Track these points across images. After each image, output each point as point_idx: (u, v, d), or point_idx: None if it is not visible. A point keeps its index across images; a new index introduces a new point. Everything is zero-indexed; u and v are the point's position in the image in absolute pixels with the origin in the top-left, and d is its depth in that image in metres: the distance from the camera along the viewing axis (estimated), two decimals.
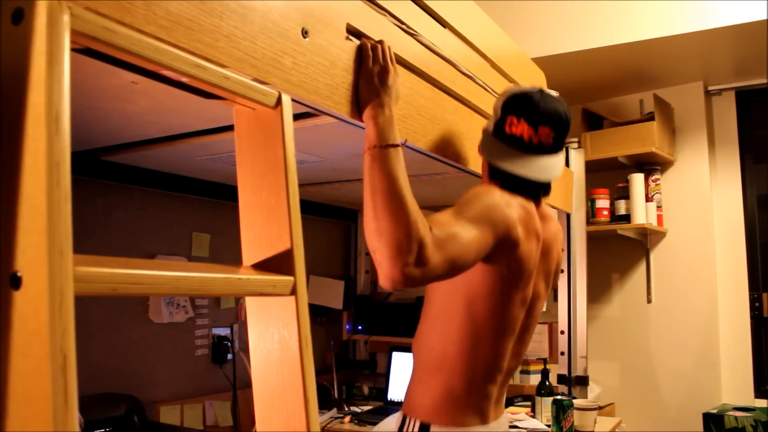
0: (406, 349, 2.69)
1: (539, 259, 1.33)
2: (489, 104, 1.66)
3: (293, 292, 0.89)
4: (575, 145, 2.69)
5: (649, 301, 3.00)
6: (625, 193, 2.86)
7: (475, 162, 1.58)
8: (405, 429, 1.31)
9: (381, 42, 1.17)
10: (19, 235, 0.59)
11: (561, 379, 2.45)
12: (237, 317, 2.35)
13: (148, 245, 2.02)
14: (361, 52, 1.15)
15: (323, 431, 2.33)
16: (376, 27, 1.21)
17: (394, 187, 1.05)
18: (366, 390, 2.82)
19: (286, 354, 0.88)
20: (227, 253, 2.27)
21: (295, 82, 0.99)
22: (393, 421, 2.27)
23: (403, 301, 2.83)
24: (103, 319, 1.86)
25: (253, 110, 0.95)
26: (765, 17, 2.22)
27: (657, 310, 2.97)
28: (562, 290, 2.48)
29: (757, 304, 2.85)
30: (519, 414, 2.32)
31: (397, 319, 2.76)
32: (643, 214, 2.79)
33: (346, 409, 2.56)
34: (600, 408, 2.37)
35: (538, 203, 1.37)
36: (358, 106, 1.13)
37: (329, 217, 2.83)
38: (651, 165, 2.93)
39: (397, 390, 2.66)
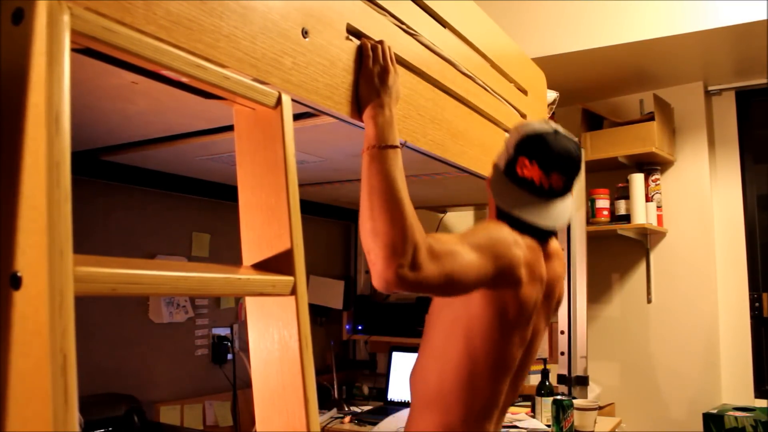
0: (406, 349, 2.69)
1: (541, 300, 1.32)
2: (489, 104, 1.67)
3: (293, 292, 0.89)
4: None
5: (649, 301, 3.00)
6: (625, 193, 2.86)
7: (475, 162, 1.58)
8: None
9: (381, 42, 1.17)
10: (19, 235, 0.59)
11: (561, 379, 2.45)
12: (237, 317, 2.35)
13: (148, 245, 2.02)
14: (361, 52, 1.15)
15: (323, 431, 2.33)
16: (376, 27, 1.21)
17: (391, 189, 1.05)
18: (366, 390, 2.82)
19: (286, 354, 0.88)
20: (227, 253, 2.27)
21: (295, 82, 0.99)
22: (393, 421, 2.27)
23: (403, 301, 2.83)
24: (103, 319, 1.86)
25: (253, 110, 0.95)
26: (765, 17, 2.22)
27: (657, 310, 2.97)
28: None
29: (757, 304, 2.85)
30: (519, 414, 2.32)
31: (397, 319, 2.76)
32: (643, 214, 2.79)
33: (346, 409, 2.56)
34: (600, 408, 2.37)
35: (546, 242, 1.36)
36: (358, 106, 1.13)
37: (329, 217, 2.83)
38: (651, 165, 2.93)
39: (397, 390, 2.66)
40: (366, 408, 2.57)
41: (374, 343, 2.93)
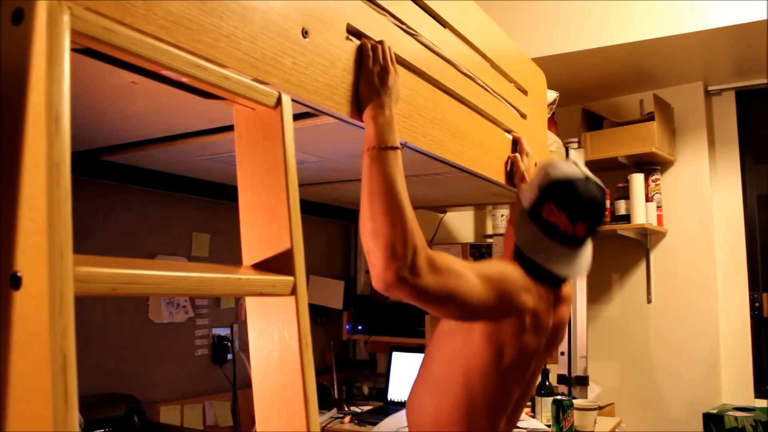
0: (406, 349, 2.70)
1: (543, 346, 1.32)
2: (489, 104, 1.66)
3: (293, 292, 0.89)
4: (575, 145, 2.69)
5: (649, 301, 3.00)
6: (625, 193, 2.86)
7: (475, 162, 1.58)
8: None
9: (381, 42, 1.17)
10: (19, 235, 0.59)
11: (561, 379, 2.45)
12: (237, 317, 2.35)
13: (148, 245, 2.02)
14: (361, 52, 1.15)
15: (323, 431, 2.33)
16: (376, 27, 1.21)
17: (392, 190, 1.05)
18: (366, 390, 2.82)
19: (286, 354, 0.88)
20: (227, 253, 2.27)
21: (295, 82, 0.99)
22: (393, 421, 2.27)
23: (403, 301, 2.82)
24: (103, 319, 1.86)
25: (253, 110, 0.95)
26: (765, 17, 2.22)
27: (657, 310, 2.97)
28: None
29: (757, 304, 2.85)
30: None
31: (397, 319, 2.76)
32: (643, 214, 2.79)
33: (346, 409, 2.56)
34: (600, 408, 2.37)
35: (558, 287, 1.35)
36: (358, 107, 1.13)
37: (329, 217, 2.83)
38: (651, 165, 2.93)
39: (397, 390, 2.65)
40: (366, 408, 2.57)
41: (374, 343, 2.93)
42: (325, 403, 2.57)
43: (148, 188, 1.98)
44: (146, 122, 1.29)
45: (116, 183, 1.88)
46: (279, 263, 0.90)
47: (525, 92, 1.94)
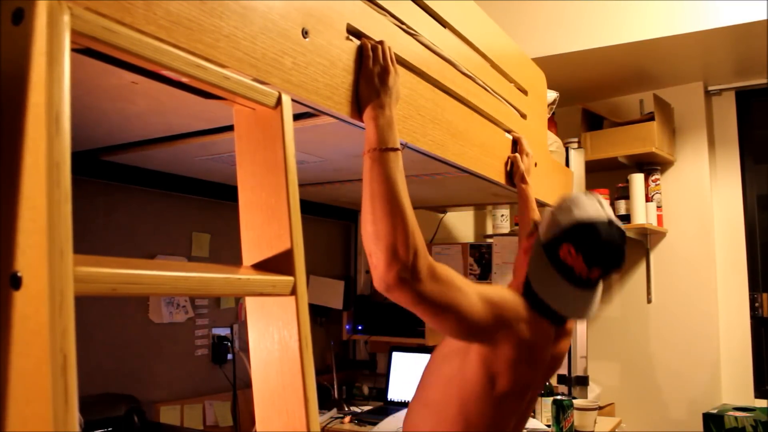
0: (406, 349, 2.69)
1: (539, 378, 1.31)
2: (489, 104, 1.67)
3: (293, 292, 0.89)
4: (575, 145, 2.69)
5: (649, 301, 3.00)
6: (625, 193, 2.86)
7: (475, 162, 1.58)
8: None
9: (381, 42, 1.17)
10: (19, 235, 0.59)
11: (561, 379, 2.45)
12: (237, 317, 2.35)
13: (148, 245, 2.02)
14: (361, 52, 1.15)
15: (323, 431, 2.33)
16: (376, 27, 1.21)
17: (393, 192, 1.06)
18: (366, 390, 2.82)
19: (286, 354, 0.88)
20: (227, 253, 2.27)
21: (295, 82, 0.99)
22: (393, 421, 2.27)
23: (402, 305, 2.82)
24: (103, 319, 1.86)
25: (253, 110, 0.95)
26: (765, 17, 2.22)
27: (657, 310, 2.97)
28: None
29: (757, 304, 2.85)
30: None
31: (397, 319, 2.76)
32: (643, 214, 2.79)
33: (346, 409, 2.56)
34: (600, 408, 2.37)
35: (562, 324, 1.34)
36: (358, 107, 1.13)
37: (329, 217, 2.83)
38: (651, 165, 2.93)
39: (397, 390, 2.65)
40: (366, 408, 2.57)
41: (374, 343, 2.93)
42: (325, 403, 2.57)
43: (148, 188, 1.98)
44: (146, 122, 1.29)
45: (116, 183, 1.88)
46: (279, 263, 0.90)
47: (525, 92, 1.94)
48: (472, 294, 1.13)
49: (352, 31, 1.14)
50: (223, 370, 2.25)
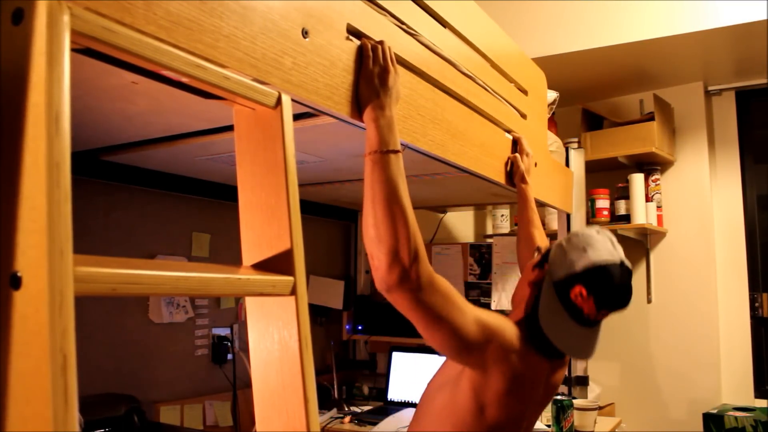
0: (406, 349, 2.69)
1: (532, 409, 1.31)
2: (489, 104, 1.66)
3: (293, 292, 0.89)
4: (575, 145, 2.69)
5: (649, 301, 3.00)
6: (625, 193, 2.86)
7: (475, 162, 1.58)
8: None
9: (381, 42, 1.17)
10: (19, 235, 0.59)
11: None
12: (237, 317, 2.35)
13: (148, 245, 2.02)
14: (361, 52, 1.15)
15: (323, 431, 2.33)
16: (376, 27, 1.21)
17: (395, 195, 1.06)
18: (366, 390, 2.82)
19: (286, 354, 0.88)
20: (227, 253, 2.27)
21: (295, 82, 0.99)
22: (393, 421, 2.27)
23: (399, 310, 2.82)
24: (103, 319, 1.86)
25: (253, 110, 0.95)
26: (765, 17, 2.22)
27: (657, 310, 2.97)
28: None
29: (757, 304, 2.85)
30: None
31: (397, 319, 2.74)
32: (643, 214, 2.79)
33: (346, 409, 2.56)
34: (600, 408, 2.37)
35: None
36: (358, 107, 1.13)
37: (329, 217, 2.83)
38: (651, 165, 2.93)
39: (397, 390, 2.65)
40: (366, 408, 2.57)
41: (374, 343, 2.93)
42: (325, 403, 2.57)
43: (148, 188, 1.98)
44: (146, 122, 1.29)
45: (116, 183, 1.88)
46: (279, 263, 0.90)
47: (525, 92, 1.94)
48: (469, 313, 1.14)
49: (352, 31, 1.14)
50: (223, 370, 2.25)
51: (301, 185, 1.06)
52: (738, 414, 2.42)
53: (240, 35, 0.89)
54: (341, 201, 2.61)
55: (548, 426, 2.16)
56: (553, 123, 2.46)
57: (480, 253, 2.81)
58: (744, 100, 2.95)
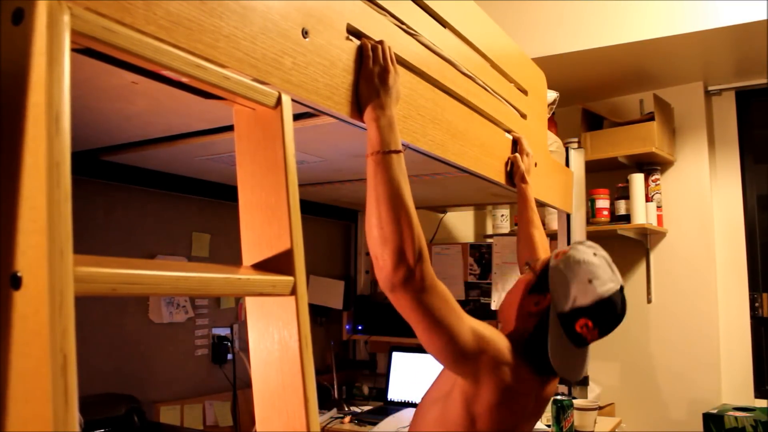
0: (406, 349, 2.69)
1: (526, 421, 1.32)
2: (489, 104, 1.66)
3: (293, 292, 0.89)
4: (575, 145, 2.69)
5: (649, 301, 3.00)
6: (625, 193, 2.86)
7: (475, 162, 1.58)
8: None
9: (381, 42, 1.17)
10: (19, 235, 0.59)
11: (561, 379, 2.45)
12: (237, 317, 2.35)
13: (148, 245, 2.02)
14: (361, 52, 1.15)
15: (323, 431, 2.33)
16: (376, 27, 1.21)
17: (398, 195, 1.07)
18: (366, 390, 2.82)
19: (286, 354, 0.88)
20: (227, 253, 2.27)
21: (295, 82, 0.99)
22: (393, 421, 2.27)
23: (400, 311, 2.82)
24: (103, 319, 1.86)
25: (253, 110, 0.95)
26: (765, 17, 2.22)
27: (657, 310, 2.97)
28: None
29: (757, 304, 2.85)
30: None
31: (397, 319, 2.74)
32: (643, 214, 2.79)
33: (346, 409, 2.56)
34: (600, 408, 2.37)
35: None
36: (358, 107, 1.13)
37: (329, 217, 2.83)
38: (651, 165, 2.93)
39: (397, 390, 2.65)
40: (366, 408, 2.57)
41: (374, 343, 2.93)
42: (325, 403, 2.57)
43: (148, 188, 1.98)
44: (146, 122, 1.29)
45: (116, 183, 1.88)
46: (279, 263, 0.90)
47: (525, 92, 1.94)
48: (465, 322, 1.15)
49: (352, 31, 1.14)
50: (223, 370, 2.25)
51: (301, 185, 1.06)
52: (738, 414, 2.42)
53: (240, 35, 0.89)
54: (341, 201, 2.61)
55: (548, 426, 2.16)
56: (553, 123, 2.46)
57: (480, 253, 2.81)
58: (744, 100, 2.95)
